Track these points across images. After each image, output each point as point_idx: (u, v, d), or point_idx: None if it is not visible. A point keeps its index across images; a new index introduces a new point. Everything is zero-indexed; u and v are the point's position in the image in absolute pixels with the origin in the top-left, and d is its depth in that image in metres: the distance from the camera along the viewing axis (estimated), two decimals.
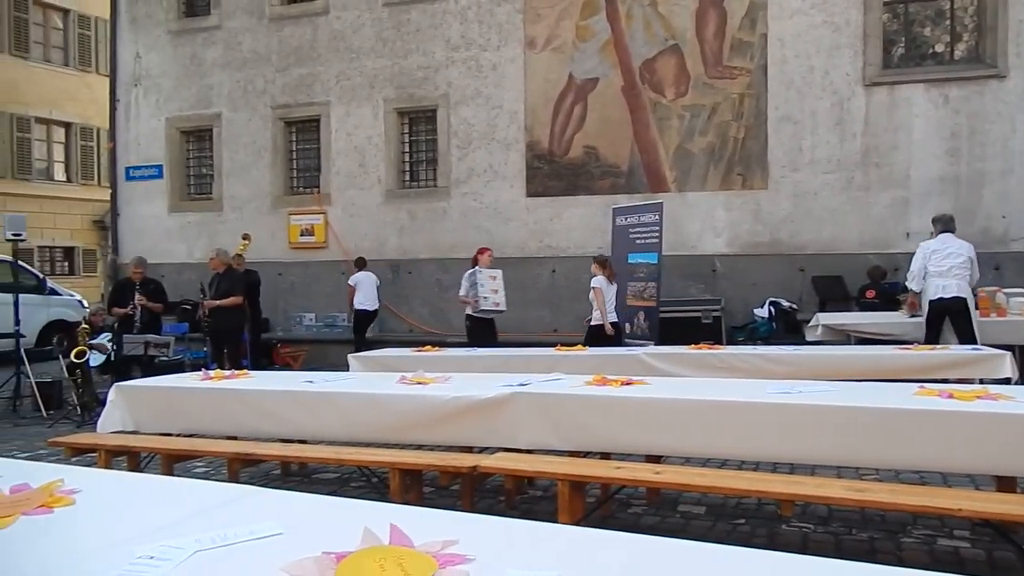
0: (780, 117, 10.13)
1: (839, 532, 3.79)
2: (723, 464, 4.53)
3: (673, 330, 8.72)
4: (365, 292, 10.69)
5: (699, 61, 10.42)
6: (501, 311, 8.72)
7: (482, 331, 8.68)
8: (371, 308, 10.73)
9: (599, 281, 7.97)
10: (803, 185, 10.09)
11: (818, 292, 9.82)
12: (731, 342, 9.14)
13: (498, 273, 8.54)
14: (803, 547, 3.51)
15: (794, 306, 9.79)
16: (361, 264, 11.00)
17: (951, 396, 3.36)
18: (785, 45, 10.10)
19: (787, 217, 10.16)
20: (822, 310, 9.09)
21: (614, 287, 8.11)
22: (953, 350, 5.71)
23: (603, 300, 7.86)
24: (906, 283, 7.41)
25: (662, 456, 4.01)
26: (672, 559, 1.60)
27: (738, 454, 3.90)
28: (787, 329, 9.48)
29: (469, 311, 8.51)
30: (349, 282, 10.81)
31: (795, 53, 10.07)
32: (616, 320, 8.02)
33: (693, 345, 6.34)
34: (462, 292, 8.55)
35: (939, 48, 10.01)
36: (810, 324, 8.15)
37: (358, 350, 9.66)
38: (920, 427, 3.16)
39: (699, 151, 10.44)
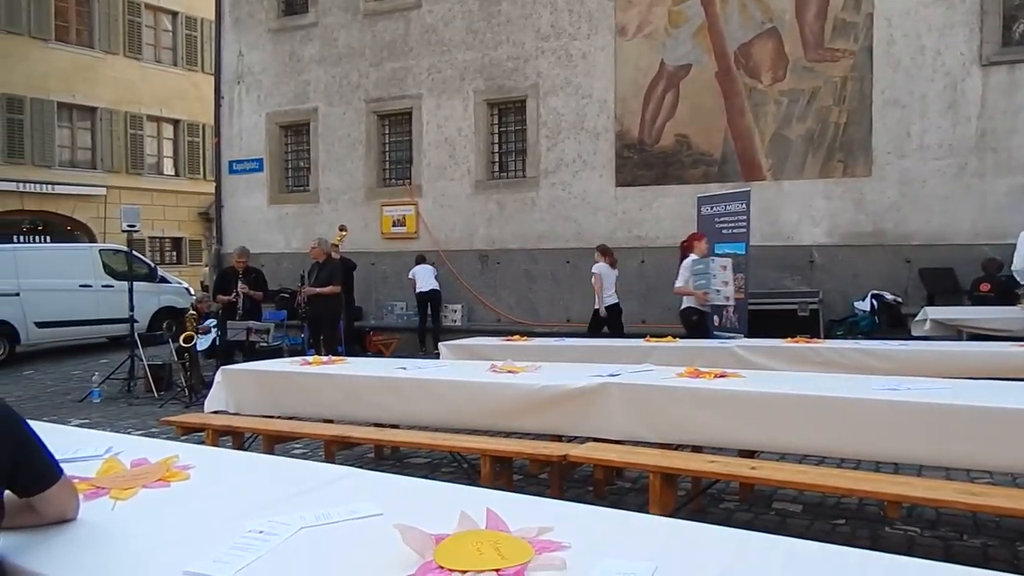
0: (886, 101, 9.63)
1: (948, 537, 3.60)
2: (821, 461, 4.36)
3: (766, 323, 8.46)
4: (423, 279, 11.18)
5: (798, 44, 10.02)
6: (732, 305, 8.05)
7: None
8: (426, 289, 11.11)
9: (600, 267, 8.91)
10: (910, 172, 9.57)
11: (926, 285, 9.31)
12: (829, 336, 8.78)
13: (728, 262, 7.58)
14: (909, 551, 3.35)
15: (899, 299, 9.32)
16: (420, 259, 11.45)
17: None
18: (892, 24, 9.59)
19: (892, 206, 9.67)
20: (930, 304, 8.61)
21: (615, 273, 9.02)
22: None
23: (601, 286, 8.82)
24: (1014, 274, 6.92)
25: (756, 451, 3.90)
26: (777, 556, 1.54)
27: (839, 452, 3.73)
28: (891, 323, 9.03)
29: (692, 303, 7.34)
30: (409, 275, 11.29)
31: (903, 33, 9.54)
32: (616, 302, 8.98)
33: (789, 339, 6.13)
34: (680, 283, 7.40)
35: None
36: (917, 319, 7.74)
37: (421, 331, 10.44)
38: None
39: (797, 138, 10.06)
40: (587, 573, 1.44)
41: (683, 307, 7.43)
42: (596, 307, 9.05)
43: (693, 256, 7.41)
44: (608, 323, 9.10)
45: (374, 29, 12.75)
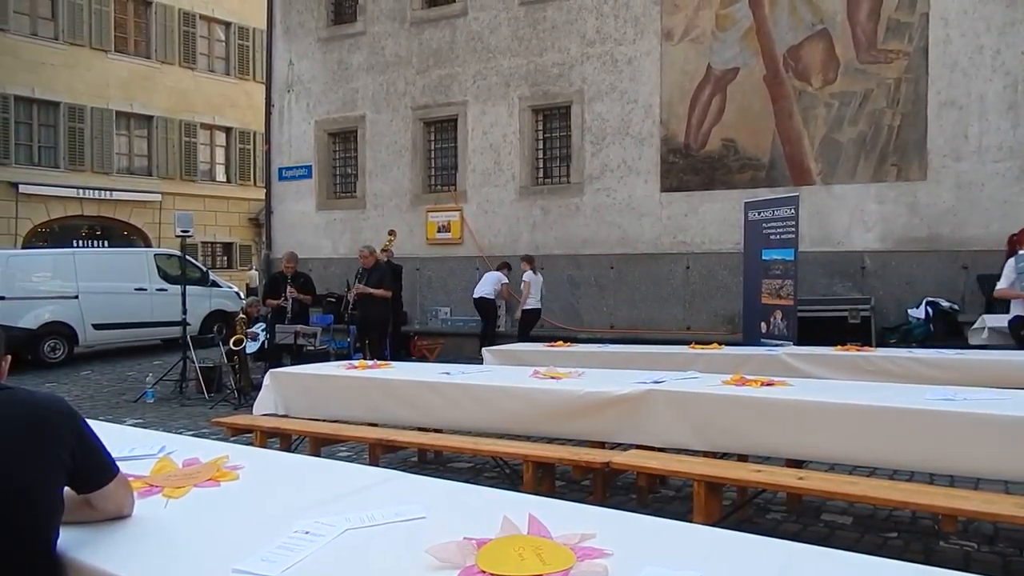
0: (942, 102, 9.37)
1: (1007, 553, 3.47)
2: (872, 472, 4.25)
3: (816, 330, 8.27)
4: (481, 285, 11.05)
5: (850, 45, 9.81)
6: None
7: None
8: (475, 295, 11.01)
9: (530, 276, 10.35)
10: (968, 175, 9.29)
11: (984, 292, 8.99)
12: (881, 344, 8.56)
13: None
14: (965, 567, 3.24)
15: (955, 307, 9.03)
16: (500, 266, 11.20)
17: None
18: (949, 24, 9.33)
19: (949, 210, 9.39)
20: (988, 311, 8.32)
21: (540, 278, 10.56)
22: None
23: (529, 292, 10.20)
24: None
25: (804, 461, 3.83)
26: (827, 570, 1.51)
27: (891, 463, 3.64)
28: (947, 331, 8.75)
29: (1022, 310, 6.24)
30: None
31: (961, 32, 9.28)
32: (537, 308, 10.44)
33: (839, 346, 6.00)
34: (1004, 284, 6.32)
35: None
36: (974, 327, 7.50)
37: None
38: None
39: (848, 141, 9.84)
40: None
41: (1012, 316, 6.23)
42: (522, 310, 10.33)
43: (1021, 252, 6.31)
44: (523, 325, 10.35)
45: (421, 37, 12.89)
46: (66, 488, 1.68)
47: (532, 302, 10.36)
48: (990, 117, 9.15)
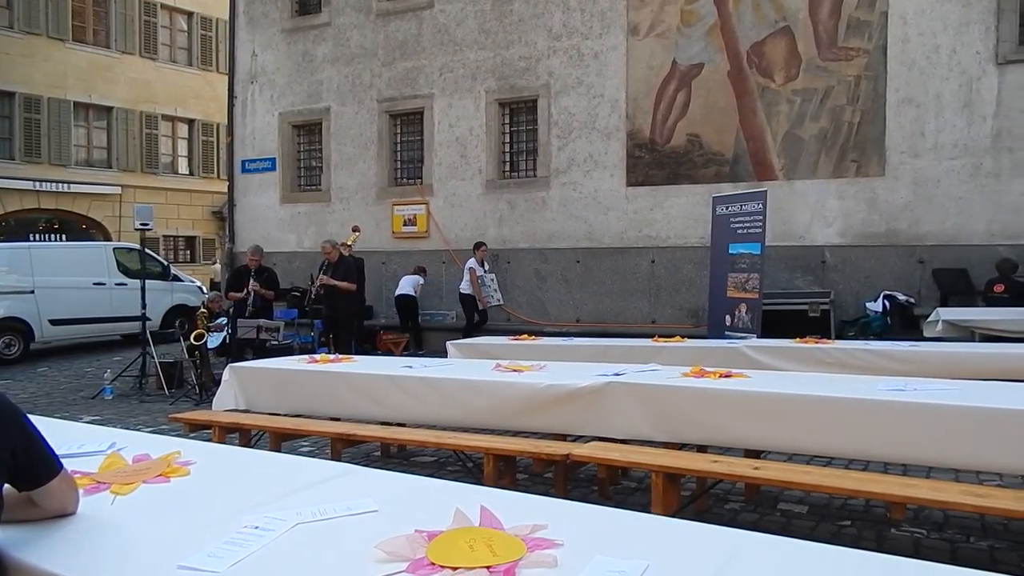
0: (900, 100, 9.55)
1: (955, 540, 3.57)
2: (829, 463, 4.34)
3: (777, 323, 8.41)
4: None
5: (812, 43, 9.95)
6: None
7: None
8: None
9: (473, 263, 10.83)
10: (924, 172, 9.49)
11: (939, 286, 9.23)
12: (841, 337, 8.72)
13: None
14: (915, 553, 3.32)
15: (911, 300, 9.24)
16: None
17: None
18: (908, 23, 9.51)
19: (906, 206, 9.59)
20: (943, 305, 8.53)
21: (475, 265, 10.89)
22: None
23: (476, 277, 10.73)
24: None
25: (762, 452, 3.88)
26: (774, 557, 1.53)
27: (846, 453, 3.71)
28: (903, 324, 8.95)
29: None
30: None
31: (919, 31, 9.46)
32: (470, 294, 10.89)
33: (798, 339, 6.09)
34: None
35: None
36: (929, 319, 7.68)
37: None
38: None
39: (810, 137, 10.00)
40: (578, 571, 1.44)
41: None
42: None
43: None
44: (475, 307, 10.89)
45: (387, 29, 12.78)
46: (6, 486, 1.64)
47: (466, 286, 10.87)
48: (946, 115, 9.36)
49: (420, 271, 11.72)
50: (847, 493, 3.19)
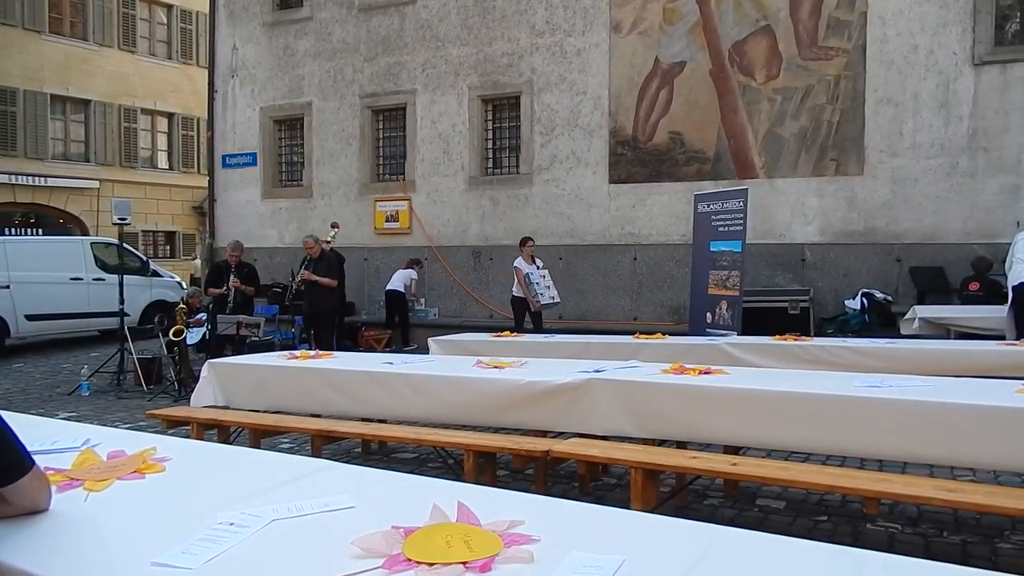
0: (879, 99, 9.65)
1: (929, 534, 3.62)
2: (807, 458, 4.38)
3: (758, 321, 8.46)
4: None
5: (792, 42, 10.02)
6: None
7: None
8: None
9: (520, 261, 9.64)
10: (902, 171, 9.60)
11: (916, 284, 9.34)
12: (820, 334, 8.80)
13: None
14: (889, 548, 3.36)
15: (889, 298, 9.34)
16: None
17: None
18: (886, 23, 9.60)
19: (884, 204, 9.69)
20: (920, 302, 8.64)
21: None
22: None
23: (523, 276, 9.49)
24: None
25: (742, 448, 3.91)
26: (748, 551, 1.55)
27: (823, 448, 3.75)
28: (881, 322, 9.06)
29: None
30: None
31: (897, 32, 9.56)
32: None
33: (778, 336, 6.14)
34: None
35: None
36: (906, 317, 7.77)
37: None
38: (1022, 426, 2.97)
39: (790, 136, 10.07)
40: (555, 566, 1.44)
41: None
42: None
43: None
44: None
45: (369, 24, 12.72)
46: None
47: (515, 288, 9.71)
48: (923, 115, 9.46)
49: (414, 264, 11.48)
50: (824, 488, 3.22)
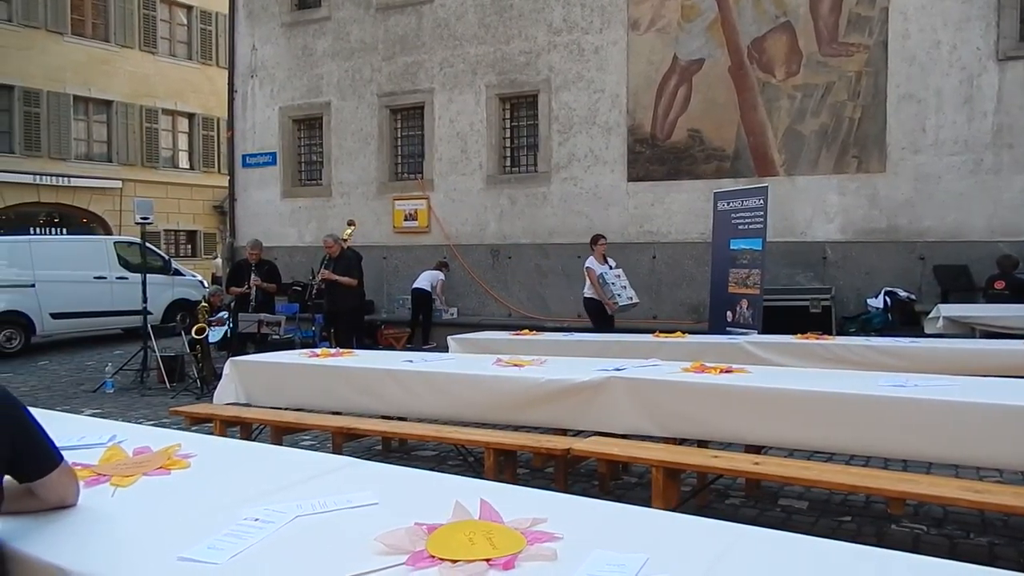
0: (901, 96, 9.53)
1: (955, 535, 3.57)
2: (829, 458, 4.33)
3: (778, 319, 8.39)
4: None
5: (812, 38, 9.93)
6: None
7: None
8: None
9: (592, 261, 8.74)
10: (925, 168, 9.48)
11: (940, 282, 9.22)
12: (842, 333, 8.72)
13: None
14: (914, 549, 3.32)
15: (912, 296, 9.23)
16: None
17: None
18: (908, 19, 9.48)
19: (907, 202, 9.58)
20: (944, 301, 8.53)
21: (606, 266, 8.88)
22: None
23: (595, 277, 8.58)
24: None
25: (763, 447, 3.88)
26: (770, 550, 1.54)
27: (846, 448, 3.72)
28: (904, 320, 8.95)
29: None
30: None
31: (919, 27, 9.44)
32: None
33: (799, 335, 6.09)
34: None
35: None
36: (930, 316, 7.67)
37: None
38: None
39: (810, 133, 9.98)
40: (577, 564, 1.44)
41: None
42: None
43: None
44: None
45: (386, 23, 12.76)
46: (7, 477, 1.65)
47: (588, 290, 8.70)
48: (946, 111, 9.34)
49: (442, 266, 11.69)
50: (847, 489, 3.19)
